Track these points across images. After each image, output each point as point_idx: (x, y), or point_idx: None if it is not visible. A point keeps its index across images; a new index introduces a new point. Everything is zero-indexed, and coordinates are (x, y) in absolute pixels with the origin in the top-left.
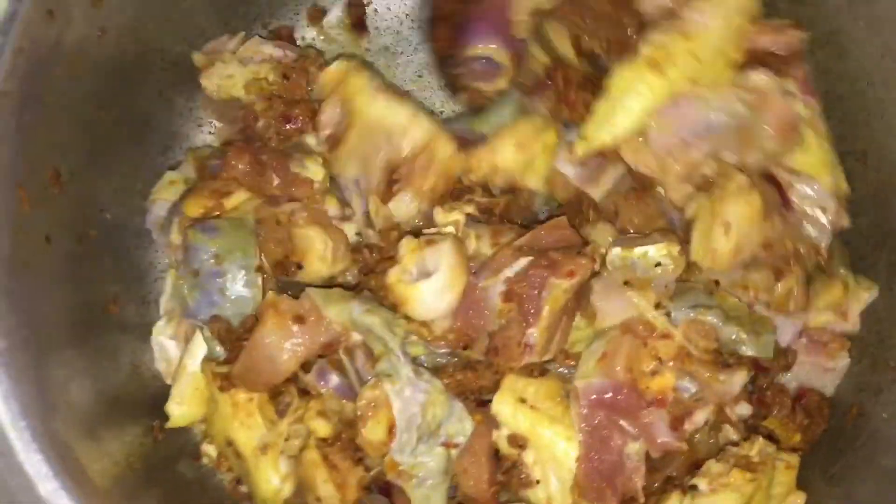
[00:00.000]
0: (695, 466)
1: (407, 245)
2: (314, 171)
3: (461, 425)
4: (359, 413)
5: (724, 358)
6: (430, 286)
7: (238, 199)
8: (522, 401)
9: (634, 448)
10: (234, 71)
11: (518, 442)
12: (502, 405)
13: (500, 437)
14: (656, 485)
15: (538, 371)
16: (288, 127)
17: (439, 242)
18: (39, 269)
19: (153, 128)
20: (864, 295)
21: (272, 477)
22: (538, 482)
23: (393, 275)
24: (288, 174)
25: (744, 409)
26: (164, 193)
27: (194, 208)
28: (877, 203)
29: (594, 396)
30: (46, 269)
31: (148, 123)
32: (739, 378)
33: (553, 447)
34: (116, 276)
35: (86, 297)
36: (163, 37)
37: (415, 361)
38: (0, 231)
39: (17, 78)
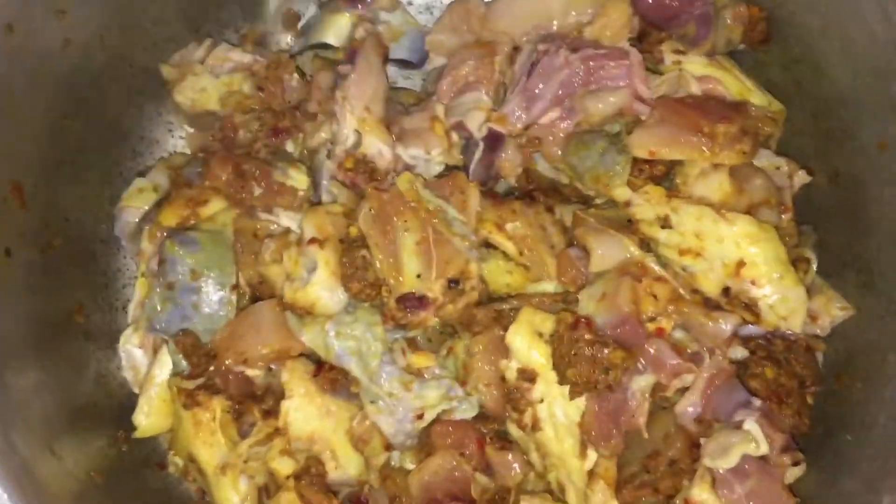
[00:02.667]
0: (694, 446)
1: (287, 259)
2: (298, 180)
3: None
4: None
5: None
6: (319, 282)
7: (214, 207)
8: (539, 335)
9: (640, 384)
10: (207, 84)
11: (528, 376)
12: (517, 336)
13: (510, 367)
14: (661, 469)
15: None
16: (275, 139)
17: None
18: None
19: (122, 134)
20: (839, 312)
21: (232, 496)
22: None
23: (288, 292)
24: (271, 183)
25: (738, 353)
26: (134, 200)
27: (170, 217)
28: (847, 222)
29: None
30: (6, 282)
31: (116, 130)
32: (731, 321)
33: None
34: (82, 284)
35: (49, 307)
36: (130, 44)
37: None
38: None
39: None
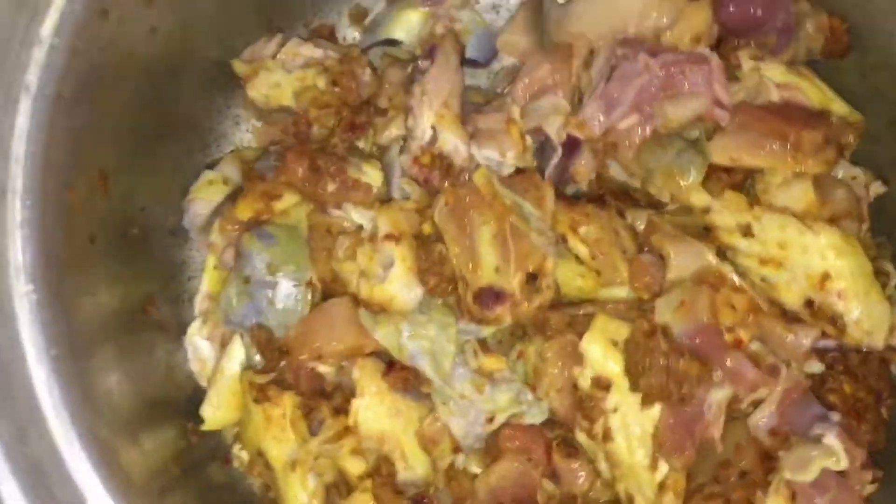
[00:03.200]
0: (767, 458)
1: (361, 256)
2: (373, 176)
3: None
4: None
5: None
6: (395, 279)
7: (288, 202)
8: (614, 343)
9: (717, 396)
10: (280, 79)
11: (602, 384)
12: (593, 344)
13: (584, 375)
14: (732, 480)
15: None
16: (352, 134)
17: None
18: (84, 270)
19: (193, 126)
20: None
21: (300, 493)
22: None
23: (363, 289)
24: (346, 179)
25: (815, 367)
26: (203, 193)
27: (245, 211)
28: None
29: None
30: (91, 271)
31: (188, 122)
32: (810, 334)
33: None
34: (153, 275)
35: (125, 298)
36: (207, 36)
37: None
38: (51, 234)
39: (71, 80)
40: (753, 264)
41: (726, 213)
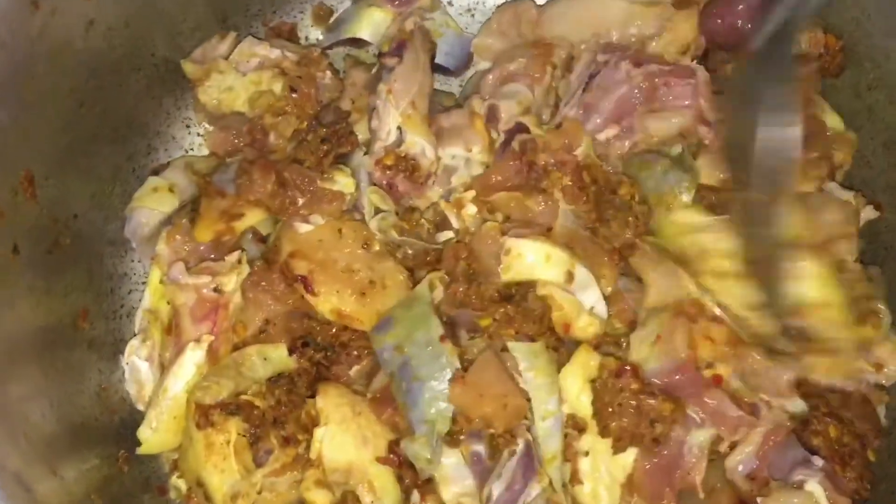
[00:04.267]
0: None
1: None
2: (345, 184)
3: None
4: None
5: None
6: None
7: (251, 219)
8: (592, 381)
9: (698, 439)
10: (233, 82)
11: (579, 426)
12: (571, 379)
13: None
14: None
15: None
16: (326, 147)
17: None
18: (5, 282)
19: (137, 128)
20: None
21: None
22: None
23: (544, 288)
24: (317, 190)
25: (797, 406)
26: (148, 201)
27: (204, 233)
28: None
29: (655, 381)
30: (12, 281)
31: (132, 123)
32: (791, 368)
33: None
34: (87, 288)
35: (52, 312)
36: (155, 31)
37: None
38: None
39: None
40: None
41: (722, 236)
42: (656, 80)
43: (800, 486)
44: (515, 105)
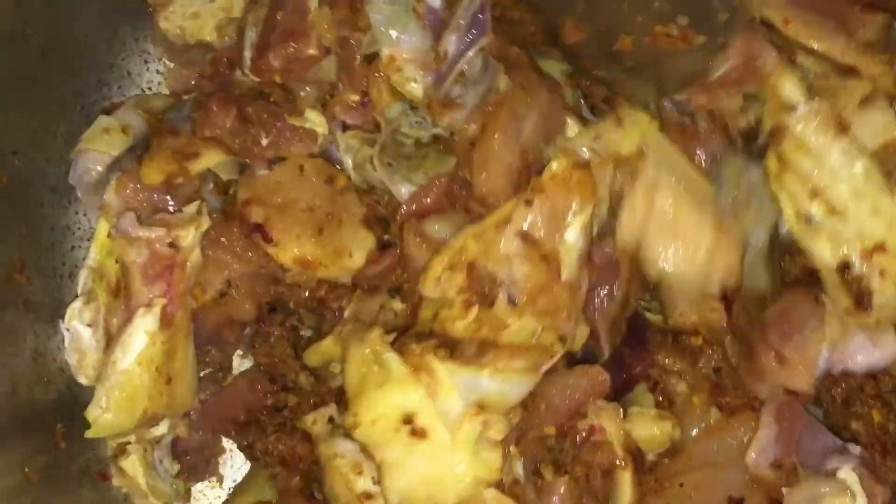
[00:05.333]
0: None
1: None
2: (318, 122)
3: None
4: None
5: None
6: None
7: (208, 161)
8: None
9: None
10: (200, 7)
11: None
12: None
13: None
14: None
15: None
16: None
17: None
18: None
19: (88, 59)
20: None
21: None
22: None
23: None
24: (284, 128)
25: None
26: (97, 143)
27: (152, 173)
28: None
29: None
30: None
31: (83, 53)
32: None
33: None
34: (24, 239)
35: None
36: None
37: None
38: None
39: None
40: (801, 193)
41: (810, 120)
42: None
43: (831, 474)
44: None
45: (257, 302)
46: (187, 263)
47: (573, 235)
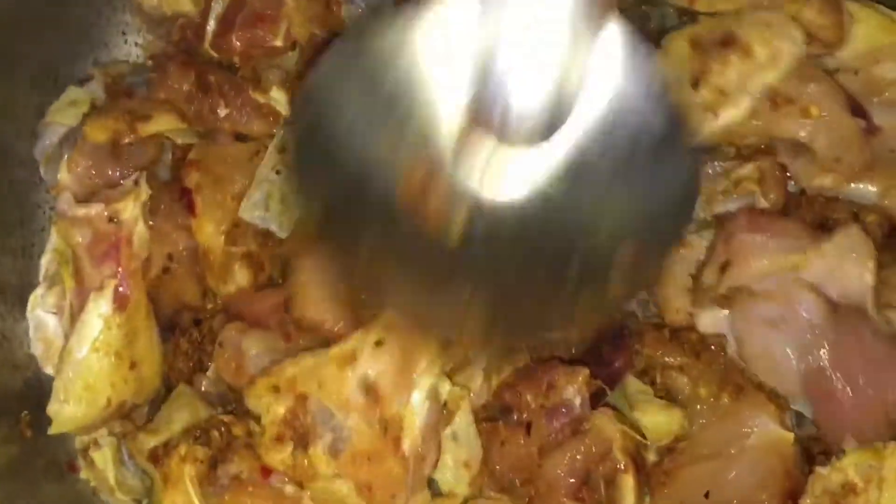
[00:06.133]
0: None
1: None
2: (283, 103)
3: None
4: None
5: None
6: None
7: (160, 124)
8: None
9: None
10: None
11: None
12: None
13: None
14: None
15: None
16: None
17: None
18: None
19: (63, 27)
20: None
21: None
22: None
23: None
24: (247, 101)
25: None
26: (62, 116)
27: (97, 131)
28: None
29: None
30: None
31: (58, 20)
32: None
33: None
34: None
35: None
36: None
37: None
38: None
39: None
40: None
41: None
42: None
43: None
44: None
45: (201, 283)
46: (133, 238)
47: (418, 398)
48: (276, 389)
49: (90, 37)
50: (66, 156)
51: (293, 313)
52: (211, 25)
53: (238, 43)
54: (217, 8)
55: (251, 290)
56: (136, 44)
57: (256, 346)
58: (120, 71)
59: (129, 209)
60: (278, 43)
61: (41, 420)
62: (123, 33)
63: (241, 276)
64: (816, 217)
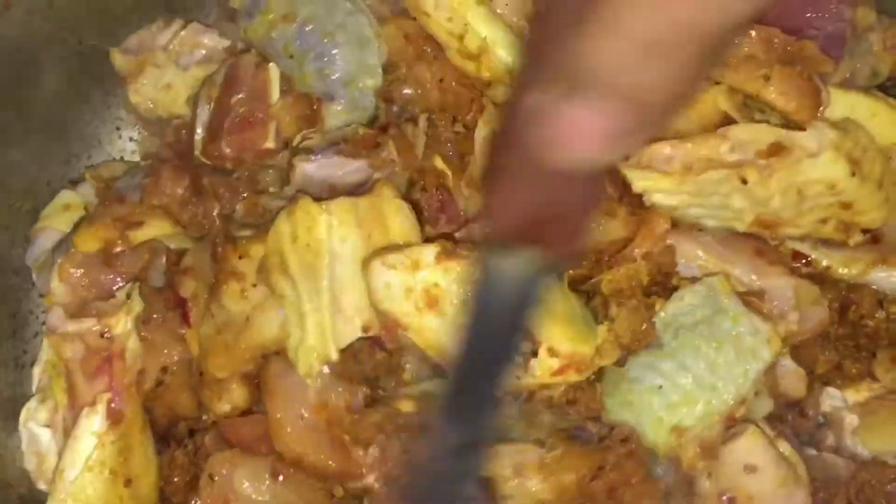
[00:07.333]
0: None
1: None
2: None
3: None
4: None
5: None
6: None
7: (154, 230)
8: None
9: None
10: (173, 79)
11: None
12: None
13: None
14: None
15: None
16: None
17: None
18: None
19: (56, 131)
20: None
21: None
22: None
23: None
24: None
25: None
26: (55, 220)
27: (88, 240)
28: None
29: None
30: None
31: (52, 124)
32: None
33: None
34: None
35: None
36: (82, 13)
37: None
38: None
39: None
40: None
41: None
42: None
43: None
44: None
45: (195, 394)
46: (126, 353)
47: None
48: None
49: (84, 136)
50: (56, 264)
51: (275, 446)
52: (199, 133)
53: (228, 149)
54: (203, 115)
55: (246, 411)
56: (131, 139)
57: (248, 480)
58: (112, 173)
59: (122, 324)
60: (270, 145)
61: None
62: (118, 129)
63: (237, 395)
64: None
